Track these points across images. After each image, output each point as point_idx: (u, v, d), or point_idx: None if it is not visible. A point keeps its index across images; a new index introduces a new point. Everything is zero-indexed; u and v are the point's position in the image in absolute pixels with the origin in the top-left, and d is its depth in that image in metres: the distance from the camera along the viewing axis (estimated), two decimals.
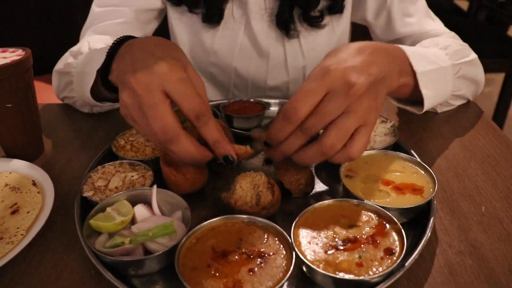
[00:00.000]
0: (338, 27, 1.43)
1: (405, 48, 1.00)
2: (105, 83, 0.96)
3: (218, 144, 0.81)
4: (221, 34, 1.39)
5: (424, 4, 1.40)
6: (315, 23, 1.36)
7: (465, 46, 1.26)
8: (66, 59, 1.24)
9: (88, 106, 1.27)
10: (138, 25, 1.41)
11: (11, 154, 1.06)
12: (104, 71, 0.92)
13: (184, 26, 1.44)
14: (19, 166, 1.00)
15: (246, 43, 1.41)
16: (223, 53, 1.42)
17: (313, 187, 0.96)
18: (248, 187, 0.85)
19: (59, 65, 1.27)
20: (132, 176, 0.93)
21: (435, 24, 1.39)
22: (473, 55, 1.22)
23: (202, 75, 1.48)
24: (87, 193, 0.89)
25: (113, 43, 0.92)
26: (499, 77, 2.99)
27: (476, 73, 1.23)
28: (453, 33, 1.35)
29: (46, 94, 2.06)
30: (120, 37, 0.92)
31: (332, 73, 0.76)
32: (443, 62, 1.10)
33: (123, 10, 1.38)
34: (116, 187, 0.91)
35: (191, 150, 0.80)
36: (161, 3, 1.44)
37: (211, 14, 1.35)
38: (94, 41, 1.30)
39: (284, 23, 1.35)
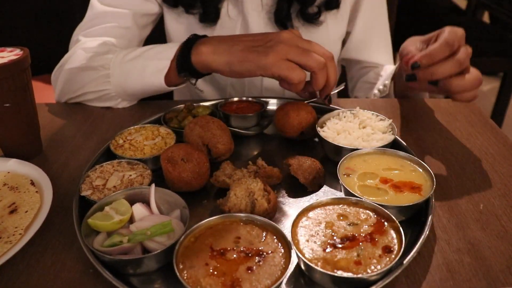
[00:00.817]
0: (333, 29, 1.44)
1: None
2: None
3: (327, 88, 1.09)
4: (217, 33, 1.38)
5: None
6: (312, 19, 1.37)
7: None
8: (87, 56, 1.26)
9: (123, 96, 1.30)
10: (135, 29, 1.42)
11: (9, 153, 1.06)
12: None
13: (180, 28, 1.44)
14: (17, 165, 1.00)
15: None
16: None
17: (324, 180, 0.98)
18: (243, 194, 0.84)
19: (77, 62, 1.27)
20: (131, 175, 0.93)
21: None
22: None
23: None
24: (86, 192, 0.89)
25: (186, 40, 1.16)
26: (498, 76, 2.99)
27: None
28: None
29: (44, 94, 2.06)
30: (189, 36, 1.17)
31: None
32: None
33: (123, 13, 1.38)
34: (114, 186, 0.91)
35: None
36: (158, 8, 1.45)
37: (207, 14, 1.36)
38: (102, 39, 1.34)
39: (282, 20, 1.36)
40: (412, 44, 1.08)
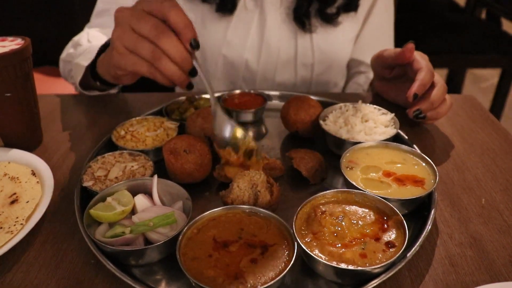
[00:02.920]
0: (348, 30, 1.44)
1: None
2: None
3: (188, 28, 0.87)
4: (234, 26, 1.38)
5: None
6: (330, 19, 1.38)
7: None
8: (68, 49, 1.35)
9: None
10: None
11: (10, 143, 1.05)
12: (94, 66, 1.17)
13: (195, 19, 1.43)
14: (18, 155, 0.99)
15: (258, 35, 1.40)
16: (236, 45, 1.41)
17: (327, 173, 0.98)
18: (246, 186, 0.84)
19: (63, 53, 1.40)
20: (132, 166, 0.93)
21: None
22: None
23: (213, 67, 1.47)
24: (87, 183, 0.89)
25: (102, 45, 1.14)
26: (496, 73, 2.99)
27: None
28: None
29: (45, 86, 2.05)
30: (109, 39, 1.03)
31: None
32: None
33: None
34: (116, 177, 0.90)
35: (179, 46, 0.87)
36: None
37: (224, 3, 1.35)
38: (92, 33, 1.34)
39: (300, 18, 1.36)
40: (378, 67, 1.24)
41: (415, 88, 1.04)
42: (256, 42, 1.41)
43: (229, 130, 0.93)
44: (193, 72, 0.91)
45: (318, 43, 1.41)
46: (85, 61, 1.20)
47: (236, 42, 1.41)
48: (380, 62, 1.22)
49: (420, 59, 1.09)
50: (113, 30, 0.92)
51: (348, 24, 1.43)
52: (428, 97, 1.06)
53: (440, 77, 1.10)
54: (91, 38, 1.31)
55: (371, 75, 1.52)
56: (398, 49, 1.12)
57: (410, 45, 1.09)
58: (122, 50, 0.90)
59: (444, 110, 1.10)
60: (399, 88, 1.21)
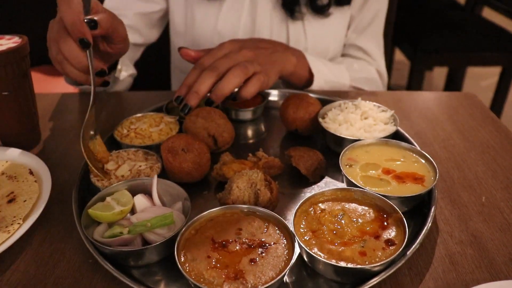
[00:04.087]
0: (339, 19, 1.43)
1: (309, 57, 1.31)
2: None
3: (74, 26, 0.85)
4: (224, 15, 1.38)
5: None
6: (321, 10, 1.37)
7: (374, 77, 1.50)
8: None
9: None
10: (141, 29, 1.44)
11: (7, 142, 1.05)
12: None
13: (183, 8, 1.44)
14: (16, 154, 0.98)
15: (249, 23, 1.40)
16: (227, 34, 1.40)
17: (326, 171, 0.97)
18: (245, 186, 0.83)
19: None
20: (140, 166, 0.92)
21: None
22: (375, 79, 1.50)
23: None
24: (94, 178, 0.90)
25: None
26: (496, 71, 2.99)
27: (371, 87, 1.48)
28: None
29: (43, 85, 2.05)
30: None
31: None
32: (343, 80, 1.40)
33: (126, 14, 1.39)
34: (122, 176, 0.90)
35: (72, 48, 0.87)
36: (160, 4, 1.46)
37: None
38: None
39: (289, 5, 1.35)
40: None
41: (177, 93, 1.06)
42: (247, 30, 1.41)
43: None
44: (100, 73, 0.94)
45: (311, 30, 1.40)
46: None
47: (227, 31, 1.40)
48: None
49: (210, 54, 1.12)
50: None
51: (339, 14, 1.42)
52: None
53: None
54: None
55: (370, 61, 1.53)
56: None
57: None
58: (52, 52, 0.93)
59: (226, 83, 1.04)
60: None
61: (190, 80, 1.07)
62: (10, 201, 0.85)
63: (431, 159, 0.89)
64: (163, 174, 0.92)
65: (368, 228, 0.74)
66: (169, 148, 0.91)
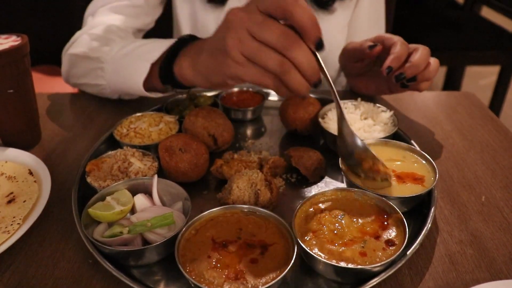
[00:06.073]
0: (342, 15, 1.42)
1: None
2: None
3: (315, 27, 0.77)
4: None
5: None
6: (324, 6, 1.36)
7: None
8: (89, 43, 1.21)
9: (117, 94, 1.25)
10: (146, 8, 1.40)
11: (8, 141, 1.05)
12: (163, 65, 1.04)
13: (185, 12, 1.42)
14: (15, 155, 0.98)
15: None
16: None
17: (326, 171, 0.97)
18: (245, 186, 0.83)
19: (79, 48, 1.23)
20: (139, 167, 0.92)
21: None
22: None
23: None
24: (90, 178, 0.89)
25: (174, 43, 1.03)
26: (495, 70, 2.99)
27: None
28: None
29: (41, 85, 2.04)
30: (180, 37, 1.03)
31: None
32: None
33: None
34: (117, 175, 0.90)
35: (310, 56, 0.78)
36: None
37: None
38: (111, 22, 1.29)
39: None
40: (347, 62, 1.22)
41: (389, 61, 0.99)
42: None
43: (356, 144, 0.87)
44: (318, 84, 0.80)
45: None
46: (146, 61, 1.07)
47: None
48: (347, 57, 1.20)
49: (391, 36, 1.04)
50: (226, 35, 0.80)
51: (342, 9, 1.41)
52: (410, 61, 1.00)
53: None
54: (119, 32, 1.25)
55: None
56: (363, 41, 1.09)
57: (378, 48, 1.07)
58: (241, 59, 0.79)
59: (433, 70, 1.02)
60: (378, 77, 1.18)
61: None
62: (9, 202, 0.85)
63: (431, 159, 0.89)
64: (161, 173, 0.92)
65: (368, 229, 0.74)
66: (167, 147, 0.91)
